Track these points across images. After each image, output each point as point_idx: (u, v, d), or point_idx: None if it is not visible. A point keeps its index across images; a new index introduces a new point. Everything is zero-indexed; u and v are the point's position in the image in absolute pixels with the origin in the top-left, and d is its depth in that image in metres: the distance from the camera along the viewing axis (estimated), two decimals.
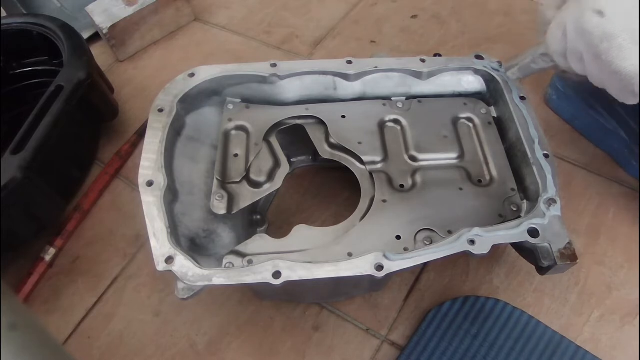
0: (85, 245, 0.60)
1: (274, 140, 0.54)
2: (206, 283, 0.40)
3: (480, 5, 0.82)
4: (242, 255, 0.45)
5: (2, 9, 0.78)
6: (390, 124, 0.55)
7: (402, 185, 0.50)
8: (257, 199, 0.50)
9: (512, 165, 0.51)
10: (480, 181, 0.50)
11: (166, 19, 0.80)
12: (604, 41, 0.39)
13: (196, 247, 0.47)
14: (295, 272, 0.40)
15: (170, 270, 0.41)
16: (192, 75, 0.53)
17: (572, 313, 0.52)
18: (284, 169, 0.52)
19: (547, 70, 0.48)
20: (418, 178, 0.50)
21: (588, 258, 0.55)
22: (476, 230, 0.42)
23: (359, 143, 0.52)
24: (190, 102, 0.53)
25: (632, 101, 0.41)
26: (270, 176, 0.51)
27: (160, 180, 0.46)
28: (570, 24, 0.41)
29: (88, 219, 0.62)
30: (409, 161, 0.52)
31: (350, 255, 0.44)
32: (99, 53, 0.79)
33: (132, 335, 0.54)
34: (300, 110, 0.55)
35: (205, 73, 0.53)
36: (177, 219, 0.47)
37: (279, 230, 0.57)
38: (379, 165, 0.51)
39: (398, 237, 0.46)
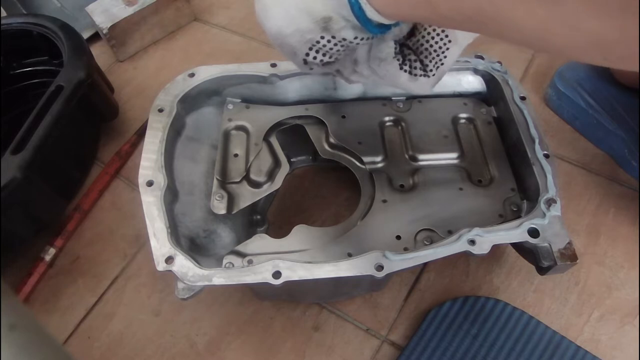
0: (85, 245, 0.60)
1: (274, 140, 0.54)
2: (206, 283, 0.40)
3: None
4: (242, 255, 0.45)
5: (2, 9, 0.78)
6: (390, 124, 0.55)
7: (402, 185, 0.50)
8: (257, 199, 0.50)
9: (512, 165, 0.51)
10: (480, 181, 0.50)
11: (166, 19, 0.80)
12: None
13: (196, 247, 0.47)
14: (295, 272, 0.40)
15: (170, 270, 0.41)
16: (192, 75, 0.53)
17: (572, 313, 0.52)
18: (284, 169, 0.52)
19: None
20: (418, 178, 0.50)
21: (588, 258, 0.55)
22: (476, 230, 0.42)
23: (359, 143, 0.52)
24: (190, 102, 0.53)
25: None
26: (270, 176, 0.51)
27: (160, 180, 0.46)
28: None
29: (88, 219, 0.62)
30: (409, 161, 0.52)
31: (350, 255, 0.44)
32: (99, 53, 0.79)
33: (132, 335, 0.54)
34: (300, 110, 0.55)
35: (205, 73, 0.53)
36: (177, 219, 0.47)
37: (279, 230, 0.57)
38: (379, 165, 0.51)
39: (398, 237, 0.46)
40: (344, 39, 0.36)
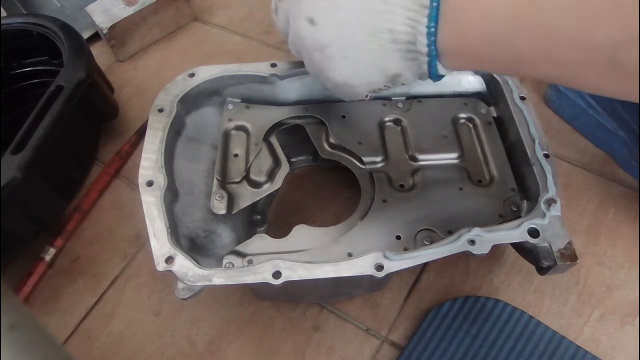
0: (85, 245, 0.60)
1: (274, 140, 0.54)
2: (206, 283, 0.40)
3: None
4: (242, 255, 0.45)
5: (2, 9, 0.78)
6: (390, 124, 0.55)
7: (402, 185, 0.50)
8: (257, 199, 0.50)
9: (512, 165, 0.51)
10: (480, 181, 0.50)
11: (166, 19, 0.80)
12: (315, 50, 0.38)
13: (196, 247, 0.47)
14: (295, 272, 0.40)
15: (170, 270, 0.41)
16: (192, 75, 0.53)
17: (572, 313, 0.52)
18: (284, 169, 0.52)
19: None
20: (418, 178, 0.50)
21: (588, 258, 0.55)
22: (476, 230, 0.42)
23: (359, 143, 0.52)
24: (190, 102, 0.53)
25: (349, 99, 0.43)
26: (270, 176, 0.51)
27: (160, 180, 0.46)
28: (291, 21, 0.40)
29: (88, 219, 0.62)
30: (409, 161, 0.52)
31: (350, 255, 0.44)
32: (99, 53, 0.79)
33: (132, 335, 0.54)
34: (300, 110, 0.55)
35: (205, 73, 0.53)
36: (177, 219, 0.47)
37: (279, 230, 0.57)
38: (379, 165, 0.51)
39: (398, 237, 0.46)
40: (403, 84, 0.39)
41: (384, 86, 0.40)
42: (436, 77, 0.38)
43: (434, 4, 0.33)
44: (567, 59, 0.30)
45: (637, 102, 0.31)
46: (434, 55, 0.35)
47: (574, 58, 0.30)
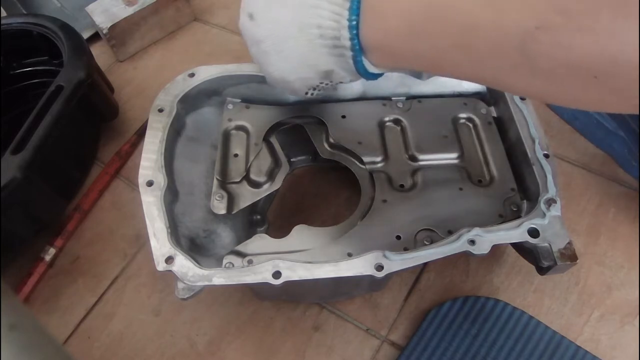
0: (85, 245, 0.60)
1: (274, 140, 0.54)
2: (206, 283, 0.40)
3: None
4: (242, 255, 0.45)
5: (2, 9, 0.78)
6: (390, 124, 0.55)
7: (402, 185, 0.50)
8: (257, 199, 0.50)
9: (512, 165, 0.51)
10: (480, 181, 0.50)
11: (166, 19, 0.80)
12: (253, 45, 0.39)
13: (196, 247, 0.47)
14: (295, 272, 0.40)
15: (170, 270, 0.41)
16: (192, 75, 0.53)
17: (572, 313, 0.52)
18: (284, 169, 0.52)
19: None
20: (418, 178, 0.50)
21: (588, 258, 0.55)
22: (476, 230, 0.42)
23: (359, 143, 0.52)
24: (190, 102, 0.53)
25: (291, 94, 0.43)
26: (270, 176, 0.51)
27: (160, 180, 0.46)
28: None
29: (88, 219, 0.62)
30: (409, 161, 0.52)
31: (350, 255, 0.44)
32: (99, 53, 0.79)
33: (132, 335, 0.54)
34: (300, 110, 0.55)
35: (205, 73, 0.53)
36: (177, 219, 0.47)
37: (279, 230, 0.56)
38: (379, 165, 0.51)
39: (398, 237, 0.46)
40: (341, 82, 0.40)
41: (322, 83, 0.40)
42: (367, 74, 0.37)
43: None
44: (480, 52, 0.28)
45: (557, 104, 0.30)
46: (357, 49, 0.35)
47: (485, 50, 0.28)
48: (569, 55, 0.24)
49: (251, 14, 0.38)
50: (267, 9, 0.37)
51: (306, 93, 0.41)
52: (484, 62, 0.29)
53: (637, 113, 0.26)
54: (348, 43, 0.35)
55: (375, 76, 0.39)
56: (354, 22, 0.33)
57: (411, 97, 0.56)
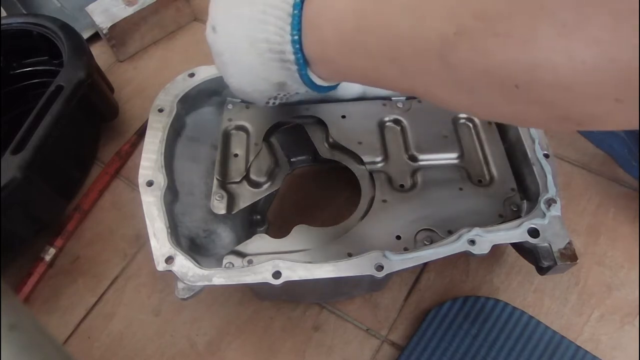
0: (85, 245, 0.60)
1: (274, 140, 0.54)
2: (206, 283, 0.40)
3: None
4: (242, 255, 0.45)
5: (2, 9, 0.78)
6: (390, 124, 0.55)
7: (402, 185, 0.50)
8: (257, 199, 0.50)
9: (512, 165, 0.51)
10: (480, 181, 0.50)
11: (166, 19, 0.80)
12: (216, 56, 0.41)
13: (196, 247, 0.47)
14: (295, 272, 0.40)
15: (170, 270, 0.41)
16: (192, 75, 0.53)
17: (572, 313, 0.52)
18: (284, 169, 0.52)
19: None
20: (418, 178, 0.50)
21: (588, 258, 0.55)
22: (476, 230, 0.42)
23: (359, 143, 0.52)
24: (190, 102, 0.53)
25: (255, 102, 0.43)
26: (270, 176, 0.51)
27: (160, 180, 0.46)
28: None
29: (88, 219, 0.62)
30: (409, 161, 0.52)
31: (350, 255, 0.44)
32: (99, 53, 0.79)
33: (132, 335, 0.54)
34: (300, 110, 0.55)
35: (205, 73, 0.53)
36: (177, 219, 0.47)
37: (279, 230, 0.57)
38: (379, 165, 0.51)
39: (398, 237, 0.46)
40: (298, 93, 0.40)
41: (280, 94, 0.40)
42: (315, 87, 0.38)
43: (295, 12, 0.33)
44: (407, 64, 0.27)
45: (486, 119, 0.29)
46: (301, 63, 0.35)
47: (411, 61, 0.27)
48: (486, 62, 0.23)
49: (214, 27, 0.40)
50: (226, 23, 0.39)
51: (267, 102, 0.42)
52: (413, 75, 0.28)
53: (563, 128, 0.24)
54: (292, 57, 0.35)
55: (325, 89, 0.39)
56: (296, 37, 0.34)
57: (411, 97, 0.56)
